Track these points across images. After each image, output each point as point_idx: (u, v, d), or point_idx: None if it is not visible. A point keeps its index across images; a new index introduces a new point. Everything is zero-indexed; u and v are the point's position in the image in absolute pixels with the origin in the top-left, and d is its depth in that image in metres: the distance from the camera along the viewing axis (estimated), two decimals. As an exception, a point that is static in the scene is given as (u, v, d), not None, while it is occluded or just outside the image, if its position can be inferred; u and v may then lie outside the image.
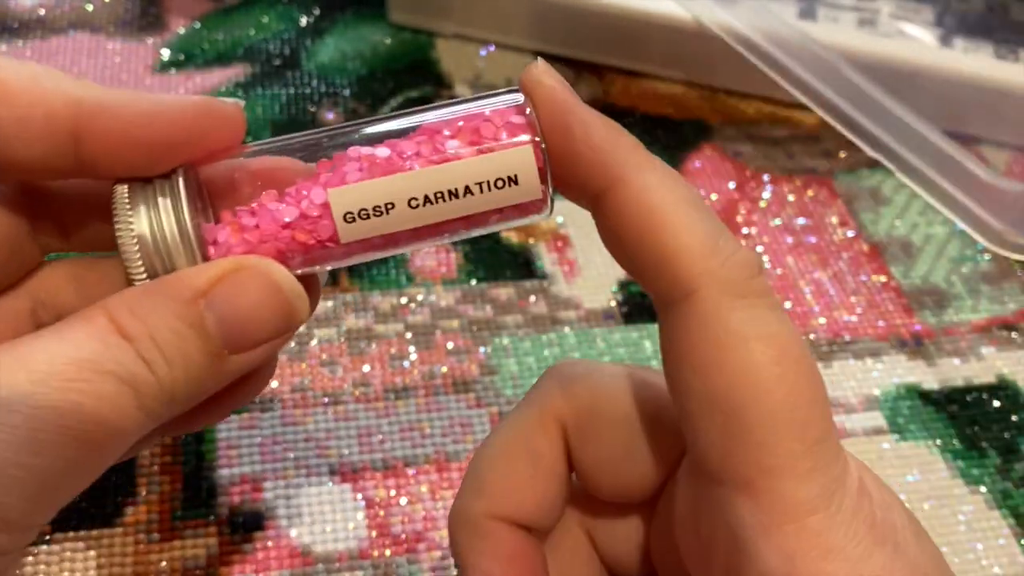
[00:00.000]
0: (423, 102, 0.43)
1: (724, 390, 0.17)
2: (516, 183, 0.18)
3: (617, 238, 0.18)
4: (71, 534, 0.28)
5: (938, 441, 0.34)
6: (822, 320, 0.37)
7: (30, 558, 0.28)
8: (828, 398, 0.17)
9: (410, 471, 0.31)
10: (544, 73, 0.18)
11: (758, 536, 0.17)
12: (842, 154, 0.43)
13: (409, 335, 0.34)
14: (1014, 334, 0.37)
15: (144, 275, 0.18)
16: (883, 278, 0.39)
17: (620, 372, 0.20)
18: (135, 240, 0.18)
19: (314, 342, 0.34)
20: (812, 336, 0.36)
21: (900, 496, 0.30)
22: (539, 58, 0.19)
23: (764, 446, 0.17)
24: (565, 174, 0.18)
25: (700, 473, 0.18)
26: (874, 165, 0.41)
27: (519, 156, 0.18)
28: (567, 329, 0.35)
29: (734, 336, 0.17)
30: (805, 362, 0.17)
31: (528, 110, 0.18)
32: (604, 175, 0.18)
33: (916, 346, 0.37)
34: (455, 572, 0.29)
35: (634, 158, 0.18)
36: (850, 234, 0.40)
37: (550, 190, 0.18)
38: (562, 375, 0.20)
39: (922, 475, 0.33)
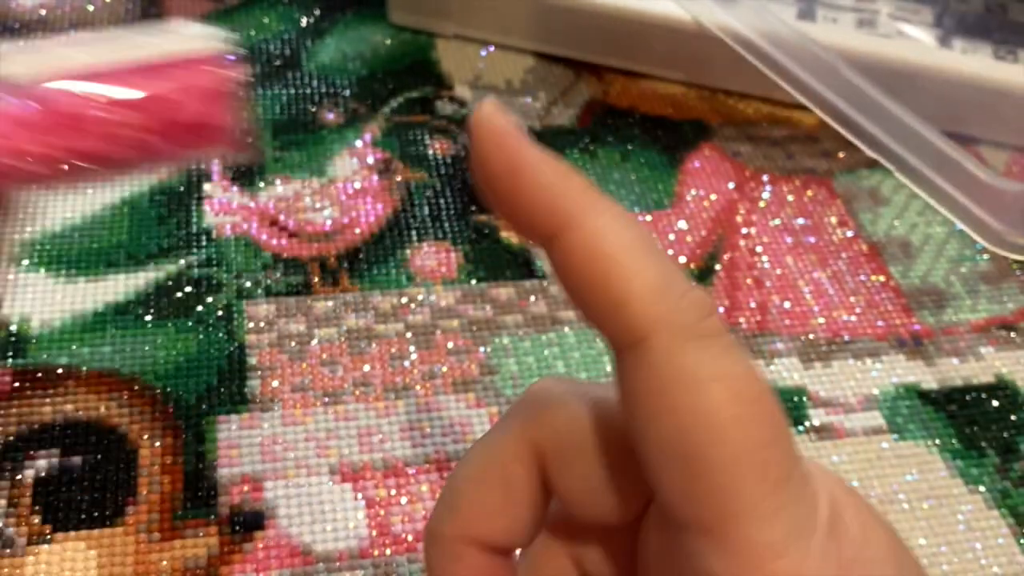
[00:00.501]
0: (424, 103, 0.43)
1: (680, 435, 0.16)
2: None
3: (569, 282, 0.18)
4: (72, 534, 0.28)
5: (937, 441, 0.34)
6: (821, 320, 0.37)
7: (31, 557, 0.28)
8: (791, 435, 0.17)
9: (410, 470, 0.31)
10: (493, 114, 0.18)
11: None
12: (841, 154, 0.43)
13: (409, 335, 0.34)
14: (1013, 334, 0.38)
15: None
16: (882, 278, 0.39)
17: (600, 394, 0.20)
18: None
19: (315, 342, 0.34)
20: (811, 336, 0.36)
21: (899, 496, 0.31)
22: (488, 97, 0.18)
23: (725, 490, 0.16)
24: (517, 216, 0.18)
25: (666, 518, 0.18)
26: (873, 165, 0.41)
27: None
28: (567, 329, 0.35)
29: (687, 379, 0.16)
30: (763, 401, 0.17)
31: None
32: (554, 218, 0.17)
33: (915, 346, 0.37)
34: None
35: (584, 200, 0.17)
36: (849, 234, 0.40)
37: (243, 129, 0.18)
38: (539, 400, 0.20)
39: (921, 475, 0.33)
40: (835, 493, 0.18)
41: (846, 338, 0.36)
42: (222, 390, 0.32)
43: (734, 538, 0.16)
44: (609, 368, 0.34)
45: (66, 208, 0.37)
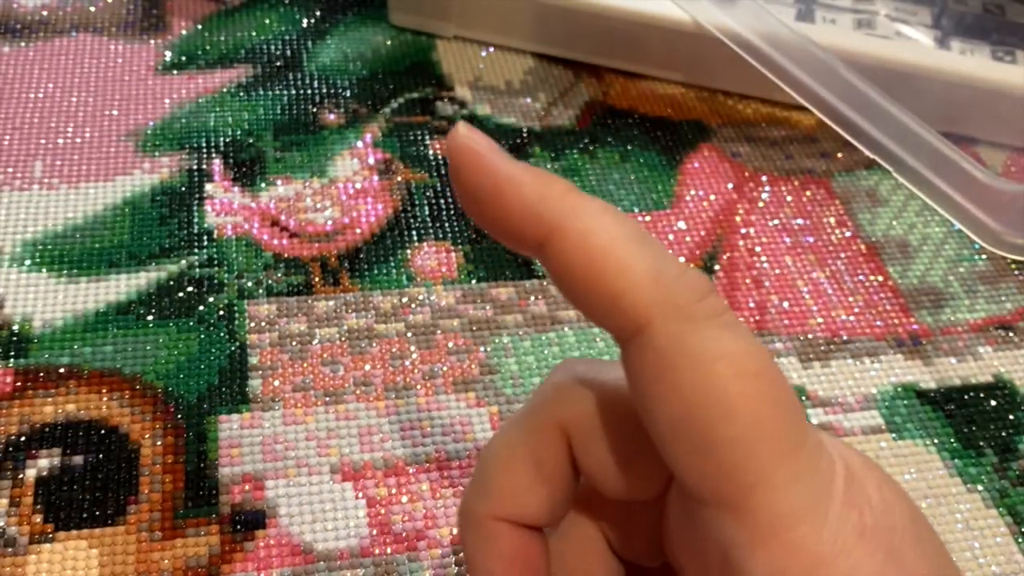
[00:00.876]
0: (424, 103, 0.43)
1: (689, 415, 0.17)
2: None
3: (565, 285, 0.18)
4: (74, 532, 0.28)
5: (935, 440, 0.34)
6: (820, 320, 0.37)
7: (33, 556, 0.28)
8: (799, 407, 0.17)
9: (411, 469, 0.31)
10: (467, 137, 0.18)
11: (746, 553, 0.17)
12: (840, 155, 0.44)
13: (410, 334, 0.35)
14: (1011, 334, 0.38)
15: None
16: (880, 278, 0.39)
17: (620, 374, 0.20)
18: None
19: (315, 341, 0.34)
20: (810, 336, 0.37)
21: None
22: (460, 121, 0.19)
23: (737, 465, 0.17)
24: (505, 230, 0.18)
25: (685, 494, 0.18)
26: (871, 165, 0.41)
27: None
28: (567, 329, 0.35)
29: (689, 360, 0.17)
30: (766, 374, 0.17)
31: None
32: (540, 227, 0.18)
33: (914, 346, 0.37)
34: (455, 570, 0.29)
35: (567, 204, 0.18)
36: (847, 234, 0.40)
37: None
38: (563, 381, 0.21)
39: (919, 474, 0.33)
40: (853, 464, 0.18)
41: (845, 338, 0.37)
42: (223, 389, 0.32)
43: (751, 509, 0.17)
44: (609, 368, 0.34)
45: (67, 208, 0.37)
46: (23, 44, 0.43)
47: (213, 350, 0.33)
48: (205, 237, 0.37)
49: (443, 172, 0.40)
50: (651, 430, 0.18)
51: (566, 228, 0.18)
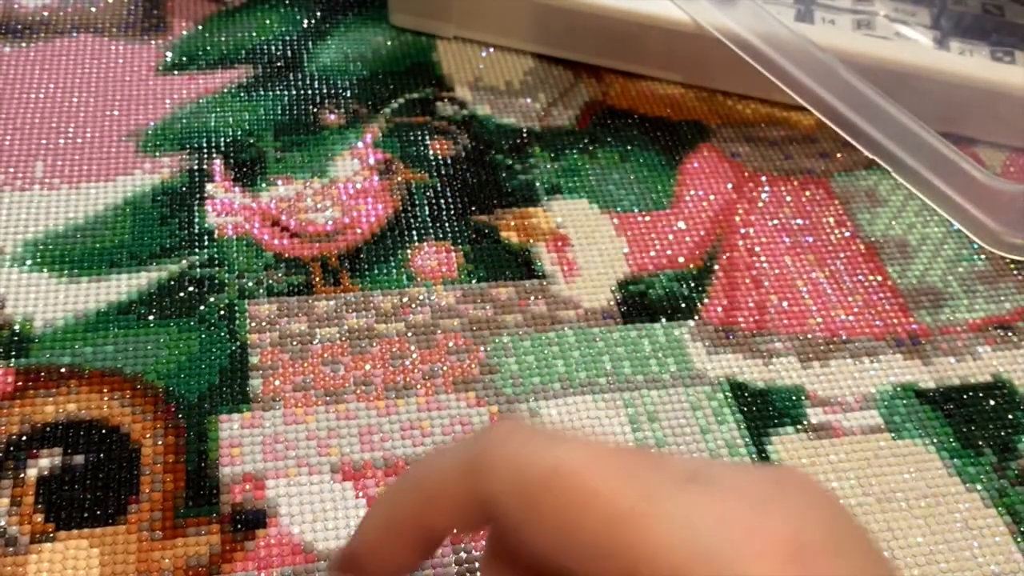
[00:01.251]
0: (424, 104, 0.43)
1: (552, 540, 0.18)
2: None
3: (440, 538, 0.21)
4: (75, 532, 0.29)
5: (934, 440, 0.34)
6: (819, 319, 0.37)
7: (34, 556, 0.28)
8: (638, 460, 0.19)
9: (411, 469, 0.31)
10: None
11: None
12: (839, 155, 0.44)
13: (410, 334, 0.35)
14: (1010, 333, 0.38)
15: None
16: (879, 278, 0.39)
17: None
18: None
19: (316, 341, 0.34)
20: (809, 335, 0.37)
21: (896, 495, 0.30)
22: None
23: (609, 546, 0.18)
24: (404, 561, 0.22)
25: None
26: (871, 166, 0.42)
27: None
28: (567, 328, 0.35)
29: (525, 490, 0.19)
30: (589, 461, 0.18)
31: None
32: (414, 537, 0.21)
33: (913, 345, 0.37)
34: (455, 570, 0.29)
35: (380, 502, 0.22)
36: (847, 234, 0.40)
37: None
38: (489, 454, 0.21)
39: (918, 473, 0.33)
40: (745, 485, 0.19)
41: (844, 337, 0.37)
42: (224, 389, 0.32)
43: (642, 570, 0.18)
44: (609, 367, 0.35)
45: (69, 208, 0.37)
46: (24, 45, 0.43)
47: (214, 350, 0.33)
48: (206, 237, 0.37)
49: (443, 172, 0.41)
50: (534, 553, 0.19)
51: (422, 508, 0.21)
